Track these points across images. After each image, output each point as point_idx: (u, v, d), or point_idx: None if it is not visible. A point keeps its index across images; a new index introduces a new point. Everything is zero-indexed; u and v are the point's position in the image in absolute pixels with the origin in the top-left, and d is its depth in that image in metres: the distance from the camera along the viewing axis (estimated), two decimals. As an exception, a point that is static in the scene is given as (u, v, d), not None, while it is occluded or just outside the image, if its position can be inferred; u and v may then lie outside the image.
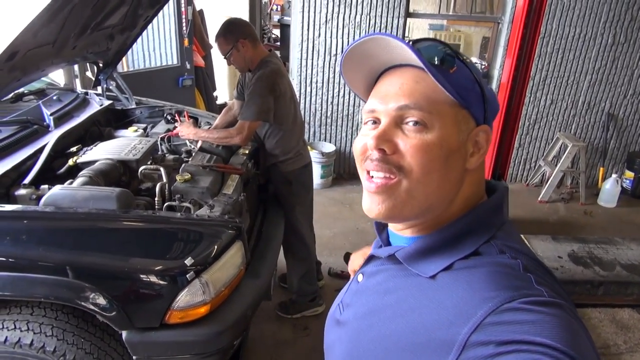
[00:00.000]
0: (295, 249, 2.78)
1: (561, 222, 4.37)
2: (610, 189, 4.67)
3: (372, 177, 0.67)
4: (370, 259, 0.81)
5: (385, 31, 4.44)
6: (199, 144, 2.45)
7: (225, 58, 2.49)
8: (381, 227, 0.82)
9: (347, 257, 3.61)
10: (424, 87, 0.65)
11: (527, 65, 3.56)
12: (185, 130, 2.41)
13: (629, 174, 4.87)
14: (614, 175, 4.69)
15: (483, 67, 4.85)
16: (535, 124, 4.90)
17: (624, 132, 4.96)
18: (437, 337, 0.58)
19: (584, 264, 3.27)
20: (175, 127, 2.69)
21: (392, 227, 0.77)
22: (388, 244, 0.79)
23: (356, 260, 1.10)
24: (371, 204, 0.68)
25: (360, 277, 0.80)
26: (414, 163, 0.64)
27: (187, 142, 2.53)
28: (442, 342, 0.57)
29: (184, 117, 2.64)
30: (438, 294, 0.63)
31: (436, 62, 0.66)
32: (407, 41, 0.66)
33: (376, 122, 0.69)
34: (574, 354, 0.49)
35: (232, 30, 2.43)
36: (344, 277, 3.27)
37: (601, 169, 4.99)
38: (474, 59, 5.18)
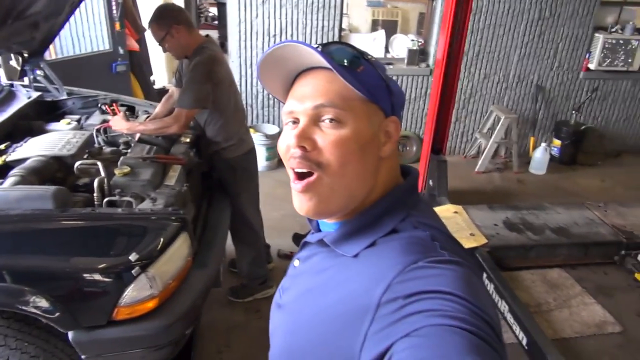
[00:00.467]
0: (242, 234, 2.80)
1: (497, 191, 4.61)
2: (540, 158, 4.96)
3: (297, 176, 0.73)
4: (304, 245, 0.87)
5: (324, 10, 4.44)
6: (137, 135, 2.40)
7: (159, 45, 2.42)
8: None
9: (295, 238, 3.66)
10: (336, 86, 0.72)
11: (461, 41, 3.68)
12: (118, 124, 2.33)
13: (557, 142, 5.18)
14: (543, 144, 4.98)
15: (420, 44, 4.96)
16: (471, 98, 5.09)
17: (551, 103, 5.25)
18: (359, 303, 0.65)
19: (517, 230, 3.49)
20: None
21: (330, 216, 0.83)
22: (318, 230, 0.86)
23: None
24: (300, 203, 0.74)
25: (296, 263, 0.87)
26: (331, 158, 0.70)
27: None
28: (363, 307, 0.64)
29: (114, 109, 2.52)
30: (360, 268, 0.71)
31: (345, 63, 0.72)
32: (316, 46, 0.71)
33: (296, 122, 0.75)
34: (468, 298, 0.59)
35: (164, 15, 2.37)
36: (291, 257, 3.32)
37: (532, 138, 5.27)
38: (411, 36, 5.29)
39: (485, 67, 4.96)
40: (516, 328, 2.56)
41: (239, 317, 2.79)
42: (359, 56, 0.74)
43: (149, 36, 5.70)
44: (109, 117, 2.64)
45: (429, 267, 0.63)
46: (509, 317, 2.64)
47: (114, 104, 2.56)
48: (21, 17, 2.26)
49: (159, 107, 2.71)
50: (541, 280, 3.24)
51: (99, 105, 2.83)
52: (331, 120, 0.71)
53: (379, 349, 0.58)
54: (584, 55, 5.07)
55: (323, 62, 0.70)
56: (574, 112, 5.11)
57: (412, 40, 5.01)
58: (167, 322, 1.69)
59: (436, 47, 4.70)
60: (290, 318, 0.80)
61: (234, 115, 2.57)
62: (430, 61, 4.89)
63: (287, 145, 0.74)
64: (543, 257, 3.38)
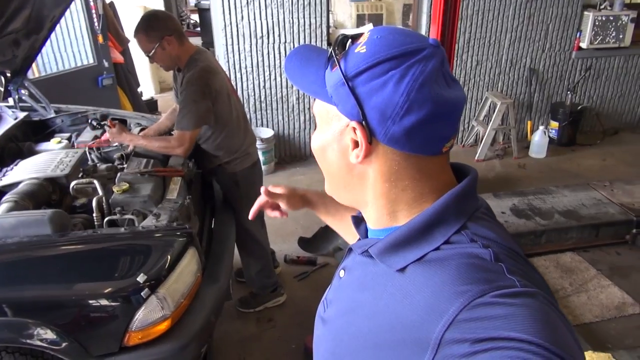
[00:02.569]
0: (248, 248, 2.69)
1: (499, 178, 4.56)
2: (539, 141, 4.91)
3: None
4: (350, 252, 0.80)
5: (310, 7, 4.36)
6: (130, 147, 2.30)
7: (148, 57, 2.26)
8: (358, 221, 0.80)
9: (301, 242, 3.59)
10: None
11: (453, 29, 3.61)
12: (117, 137, 2.23)
13: (554, 124, 5.13)
14: (541, 127, 4.92)
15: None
16: (464, 86, 5.03)
17: (545, 85, 5.20)
18: (413, 336, 0.57)
19: (525, 216, 3.43)
20: (103, 133, 2.52)
21: (368, 223, 0.75)
22: (366, 236, 0.77)
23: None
24: None
25: (342, 273, 0.79)
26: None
27: (121, 146, 2.36)
28: (418, 340, 0.56)
29: (108, 123, 2.36)
30: (411, 289, 0.61)
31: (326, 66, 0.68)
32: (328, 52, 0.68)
33: None
34: (548, 346, 0.49)
35: (154, 26, 2.18)
36: (300, 262, 3.25)
37: (529, 122, 5.22)
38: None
39: (477, 54, 4.90)
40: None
41: (252, 329, 2.71)
42: (331, 55, 0.66)
43: (132, 47, 5.60)
44: (100, 132, 2.55)
45: (500, 303, 0.53)
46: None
47: (108, 120, 2.40)
48: (0, 35, 2.16)
49: (163, 119, 2.59)
50: (554, 266, 3.18)
51: (89, 121, 2.72)
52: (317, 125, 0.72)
53: None
54: (574, 35, 5.03)
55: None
56: (569, 92, 5.06)
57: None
58: (182, 343, 1.61)
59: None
60: (334, 337, 0.73)
61: (237, 127, 2.43)
62: (422, 52, 4.81)
63: None
64: (554, 242, 3.33)
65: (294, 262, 3.26)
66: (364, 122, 0.62)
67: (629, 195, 3.63)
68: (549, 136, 4.98)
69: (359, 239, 0.78)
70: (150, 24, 2.19)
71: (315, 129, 0.73)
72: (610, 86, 5.40)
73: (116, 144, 2.36)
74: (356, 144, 0.65)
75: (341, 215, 1.06)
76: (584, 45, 5.02)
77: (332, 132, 0.67)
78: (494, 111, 4.71)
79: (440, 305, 0.56)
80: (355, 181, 0.69)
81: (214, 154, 2.43)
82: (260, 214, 2.73)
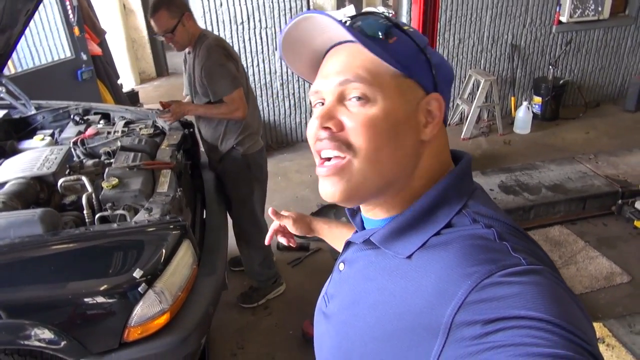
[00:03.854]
0: (251, 237, 2.66)
1: (485, 155, 4.59)
2: (523, 117, 4.95)
3: (324, 160, 0.65)
4: (348, 245, 0.78)
5: (289, -9, 4.31)
6: (118, 143, 2.26)
7: (167, 35, 2.23)
8: (353, 212, 0.79)
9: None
10: (362, 60, 0.63)
11: (434, 8, 3.59)
12: (180, 110, 2.30)
13: (537, 99, 5.17)
14: (524, 103, 4.96)
15: (391, 14, 4.86)
16: (448, 65, 5.03)
17: (527, 60, 5.23)
18: (423, 322, 0.56)
19: (514, 192, 3.47)
20: (86, 128, 2.48)
21: (363, 211, 0.74)
22: (363, 228, 0.76)
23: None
24: (326, 188, 0.65)
25: (341, 266, 0.77)
26: (361, 140, 0.62)
27: (107, 139, 2.32)
28: (428, 326, 0.55)
29: (163, 103, 2.39)
30: (416, 275, 0.61)
31: (379, 35, 0.64)
32: (344, 20, 0.63)
33: (323, 103, 0.67)
34: (559, 322, 0.49)
35: (175, 2, 2.19)
36: (292, 248, 3.24)
37: (512, 98, 5.25)
38: (380, 8, 5.18)
39: (459, 32, 4.90)
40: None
41: (249, 317, 2.71)
42: (392, 26, 0.65)
43: (109, 38, 5.49)
44: (84, 126, 2.50)
45: (507, 282, 0.53)
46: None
47: (160, 102, 2.42)
48: (-25, 32, 2.10)
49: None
50: (544, 240, 3.23)
51: (72, 116, 2.67)
52: (358, 98, 0.62)
53: None
54: (554, 9, 5.04)
55: (347, 35, 0.61)
56: (550, 67, 5.09)
57: (383, 12, 4.90)
58: (182, 336, 1.61)
59: (408, 17, 4.62)
60: (338, 331, 0.71)
61: (252, 104, 2.48)
62: (404, 32, 4.80)
63: (313, 129, 0.65)
64: (542, 216, 3.38)
65: (287, 249, 3.26)
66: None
67: (614, 167, 3.69)
68: (532, 111, 5.02)
69: (356, 231, 0.77)
70: (171, 0, 2.19)
71: (312, 115, 0.69)
72: (591, 59, 5.44)
73: (102, 139, 2.33)
74: (432, 118, 0.65)
75: (345, 237, 1.06)
76: (564, 19, 5.04)
77: (406, 106, 0.64)
78: (478, 89, 4.72)
79: (448, 289, 0.55)
80: (411, 162, 0.66)
81: (222, 137, 2.43)
82: (263, 203, 2.71)
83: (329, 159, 0.64)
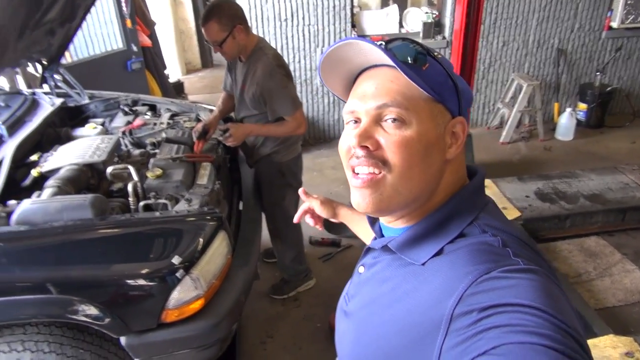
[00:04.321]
0: (284, 235, 2.75)
1: (524, 160, 4.53)
2: (566, 123, 4.84)
3: (358, 173, 0.70)
4: (368, 250, 0.85)
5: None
6: (163, 135, 2.38)
7: (216, 46, 2.21)
8: (373, 220, 0.86)
9: (326, 224, 3.63)
10: (399, 85, 0.68)
11: (478, 10, 3.57)
12: (241, 133, 2.31)
13: (582, 106, 5.04)
14: (568, 109, 4.85)
15: (434, 16, 4.83)
16: (490, 67, 4.97)
17: (573, 66, 5.10)
18: (430, 316, 0.62)
19: (550, 200, 3.42)
20: (135, 119, 2.62)
21: (382, 220, 0.81)
22: (381, 235, 0.82)
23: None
24: (358, 199, 0.71)
25: (361, 269, 0.84)
26: (396, 158, 0.68)
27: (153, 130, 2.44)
28: (434, 320, 0.61)
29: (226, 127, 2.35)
30: (428, 276, 0.67)
31: (409, 61, 0.69)
32: (379, 43, 0.68)
33: (357, 121, 0.72)
34: (550, 310, 0.54)
35: (227, 13, 2.15)
36: (324, 244, 3.33)
37: (556, 104, 5.14)
38: (425, 8, 5.16)
39: (504, 35, 4.83)
40: (558, 300, 2.52)
41: (278, 308, 2.81)
42: (425, 53, 0.70)
43: (159, 30, 5.68)
44: (132, 117, 2.64)
45: (503, 277, 0.59)
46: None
47: (224, 126, 2.38)
48: (38, 26, 2.25)
49: (220, 105, 2.63)
50: (579, 250, 3.18)
51: (121, 106, 2.82)
52: (394, 120, 0.68)
53: None
54: (605, 14, 4.90)
55: (386, 59, 0.67)
56: (598, 73, 4.95)
57: (426, 12, 4.89)
58: (214, 321, 1.70)
59: (452, 18, 4.59)
60: (357, 328, 0.78)
61: None
62: (447, 33, 4.77)
63: (349, 146, 0.71)
64: (579, 226, 3.32)
65: (319, 243, 3.34)
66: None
67: (658, 179, 3.58)
68: (576, 118, 4.91)
69: (375, 238, 0.83)
70: (223, 12, 2.15)
71: (346, 124, 0.75)
72: (642, 66, 5.26)
73: (148, 130, 2.45)
74: (456, 139, 0.72)
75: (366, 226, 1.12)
76: (614, 24, 4.88)
77: (436, 129, 0.70)
78: (520, 93, 4.65)
79: (452, 285, 0.61)
80: (435, 178, 0.71)
81: (259, 142, 2.47)
82: (297, 203, 2.78)
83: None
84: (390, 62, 0.66)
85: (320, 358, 2.45)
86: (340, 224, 1.21)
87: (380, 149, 0.68)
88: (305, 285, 2.91)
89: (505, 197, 3.39)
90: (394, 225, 0.77)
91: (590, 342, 2.19)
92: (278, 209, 2.63)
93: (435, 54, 0.72)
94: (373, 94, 0.69)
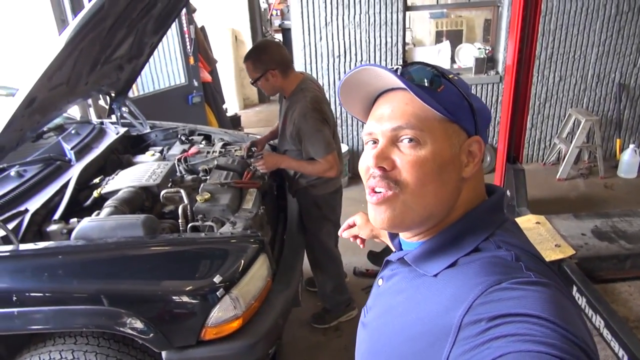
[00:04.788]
0: (323, 265, 2.79)
1: (582, 198, 4.34)
2: (629, 160, 4.62)
3: (375, 192, 0.74)
4: (387, 263, 0.87)
5: (386, 26, 4.47)
6: (215, 162, 2.51)
7: (252, 82, 2.44)
8: (393, 235, 0.89)
9: (371, 256, 3.65)
10: (413, 107, 0.72)
11: (531, 45, 3.55)
12: (273, 161, 2.43)
13: (647, 143, 4.80)
14: (631, 146, 4.64)
15: (487, 51, 4.83)
16: (546, 103, 4.86)
17: (637, 101, 4.89)
18: (439, 324, 0.64)
19: (608, 239, 3.24)
20: (190, 147, 2.77)
21: (402, 235, 0.84)
22: (400, 248, 0.86)
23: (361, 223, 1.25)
24: (375, 215, 0.75)
25: (380, 282, 0.87)
26: (409, 177, 0.71)
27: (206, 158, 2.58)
28: (443, 328, 0.62)
29: (259, 151, 2.60)
30: (439, 287, 0.69)
31: (425, 84, 0.73)
32: (395, 68, 0.73)
33: (375, 142, 0.76)
34: (557, 321, 0.54)
35: (262, 59, 2.34)
36: (368, 275, 3.32)
37: (618, 140, 4.93)
38: (477, 44, 5.17)
39: (560, 69, 4.73)
40: (615, 345, 2.37)
41: (319, 337, 2.81)
42: (440, 75, 0.74)
43: (219, 67, 6.00)
44: (188, 146, 2.80)
45: (513, 288, 0.60)
46: (605, 333, 2.45)
47: (255, 150, 2.64)
48: (108, 61, 2.47)
49: (269, 133, 2.82)
50: (639, 292, 2.98)
51: (179, 136, 3.01)
52: (410, 140, 0.71)
53: None
54: (671, 47, 4.70)
55: (401, 83, 0.71)
56: (664, 109, 4.73)
57: (479, 48, 4.89)
58: (251, 342, 1.75)
59: (505, 53, 4.57)
60: (372, 337, 0.81)
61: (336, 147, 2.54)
62: (500, 68, 4.74)
63: (367, 166, 0.75)
64: (640, 268, 3.12)
65: (363, 274, 3.34)
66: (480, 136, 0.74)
67: None
68: (640, 155, 4.67)
69: (395, 251, 0.87)
70: (259, 56, 2.35)
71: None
72: None
73: (201, 158, 2.59)
74: (473, 158, 0.74)
75: None
76: (682, 58, 4.67)
77: (452, 148, 0.72)
78: (578, 128, 4.50)
79: (462, 295, 0.63)
80: (452, 195, 0.74)
81: (301, 176, 2.55)
82: (336, 235, 2.82)
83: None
84: (405, 86, 0.71)
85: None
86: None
87: (395, 169, 0.72)
88: (348, 315, 2.91)
89: (559, 234, 3.25)
90: (412, 241, 0.80)
91: (648, 390, 2.04)
92: (316, 240, 2.67)
93: (451, 76, 0.76)
94: (389, 116, 0.73)
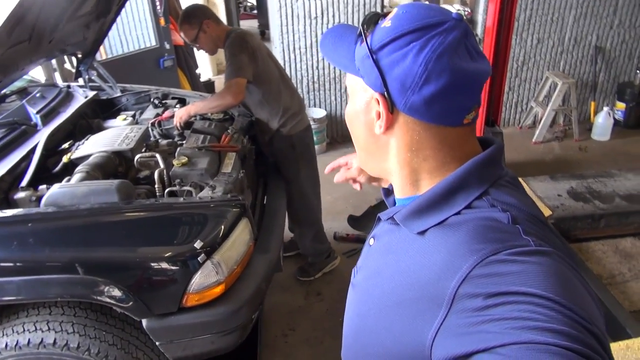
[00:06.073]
0: (302, 214, 2.84)
1: (557, 160, 4.40)
2: (602, 123, 4.69)
3: None
4: (379, 221, 0.83)
5: (364, -13, 4.35)
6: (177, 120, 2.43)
7: (192, 44, 2.55)
8: (388, 192, 0.86)
9: (351, 220, 3.63)
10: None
11: (511, 7, 3.50)
12: (184, 112, 2.42)
13: (620, 105, 4.87)
14: (605, 108, 4.70)
15: (466, 13, 4.77)
16: (524, 66, 4.86)
17: (612, 64, 4.94)
18: (430, 292, 0.60)
19: (583, 199, 3.31)
20: (164, 111, 2.67)
21: (396, 194, 0.78)
22: (394, 206, 0.81)
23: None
24: None
25: (371, 241, 0.82)
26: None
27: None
28: (433, 297, 0.59)
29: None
30: (430, 250, 0.64)
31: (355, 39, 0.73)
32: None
33: None
34: (564, 301, 0.50)
35: (193, 14, 2.47)
36: (349, 240, 3.31)
37: (592, 103, 4.99)
38: (456, 5, 5.09)
39: (538, 32, 4.71)
40: (590, 301, 2.44)
41: (301, 301, 2.81)
42: (361, 31, 0.68)
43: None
44: (162, 109, 2.70)
45: (512, 260, 0.55)
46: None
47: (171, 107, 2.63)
48: (73, 18, 2.32)
49: None
50: (613, 251, 3.06)
51: (151, 99, 2.88)
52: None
53: (455, 351, 0.52)
54: (647, 10, 4.72)
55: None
56: (638, 71, 4.78)
57: (458, 9, 4.82)
58: (234, 307, 1.71)
59: (484, 15, 4.51)
60: (360, 299, 0.78)
61: (282, 86, 2.60)
62: (479, 30, 4.68)
63: None
64: (614, 227, 3.19)
65: (343, 239, 3.33)
66: (385, 92, 0.65)
67: (700, 180, 3.42)
68: (614, 118, 4.75)
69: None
70: (190, 13, 2.49)
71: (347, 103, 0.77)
72: (686, 65, 5.04)
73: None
74: (379, 115, 0.68)
75: None
76: (657, 20, 4.70)
77: (359, 104, 0.71)
78: (555, 91, 4.53)
79: (454, 263, 0.58)
80: (381, 151, 0.72)
81: (270, 118, 2.58)
82: (314, 184, 2.82)
83: None
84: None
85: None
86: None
87: None
88: (330, 265, 3.01)
89: (536, 195, 3.30)
90: (400, 195, 0.75)
91: (623, 343, 2.10)
92: (295, 187, 2.70)
93: (385, 24, 0.66)
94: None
